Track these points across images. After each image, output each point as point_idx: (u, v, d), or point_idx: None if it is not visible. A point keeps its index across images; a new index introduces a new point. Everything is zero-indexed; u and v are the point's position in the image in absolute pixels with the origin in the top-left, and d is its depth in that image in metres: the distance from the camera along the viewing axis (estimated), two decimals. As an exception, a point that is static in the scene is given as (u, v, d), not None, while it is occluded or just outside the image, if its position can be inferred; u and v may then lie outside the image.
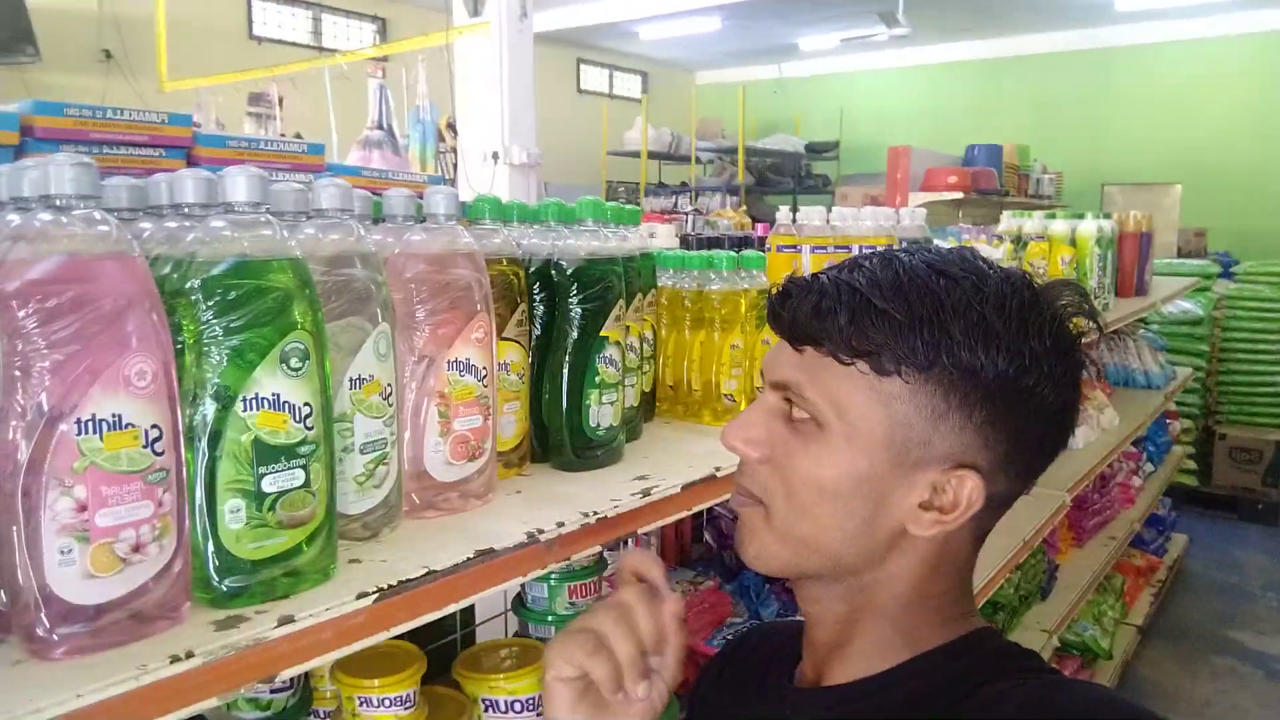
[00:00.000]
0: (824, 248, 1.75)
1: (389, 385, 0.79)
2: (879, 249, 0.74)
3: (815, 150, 10.92)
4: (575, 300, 1.02)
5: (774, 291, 0.71)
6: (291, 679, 0.93)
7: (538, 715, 1.19)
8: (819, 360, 0.68)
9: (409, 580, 0.70)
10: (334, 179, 0.78)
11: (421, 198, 0.87)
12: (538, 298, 1.04)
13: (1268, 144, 9.33)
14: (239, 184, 0.65)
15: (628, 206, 1.22)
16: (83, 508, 0.56)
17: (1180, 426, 4.78)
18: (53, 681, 0.52)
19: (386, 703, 0.94)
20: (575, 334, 1.03)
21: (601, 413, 1.05)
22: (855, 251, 1.75)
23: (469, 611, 1.38)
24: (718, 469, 1.04)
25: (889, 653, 0.71)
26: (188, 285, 0.62)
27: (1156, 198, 9.24)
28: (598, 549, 0.89)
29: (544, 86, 9.63)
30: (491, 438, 0.91)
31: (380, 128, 4.98)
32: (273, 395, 0.65)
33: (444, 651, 1.26)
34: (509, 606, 1.36)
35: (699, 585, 1.53)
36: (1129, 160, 9.91)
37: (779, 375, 0.70)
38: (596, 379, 1.04)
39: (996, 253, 2.38)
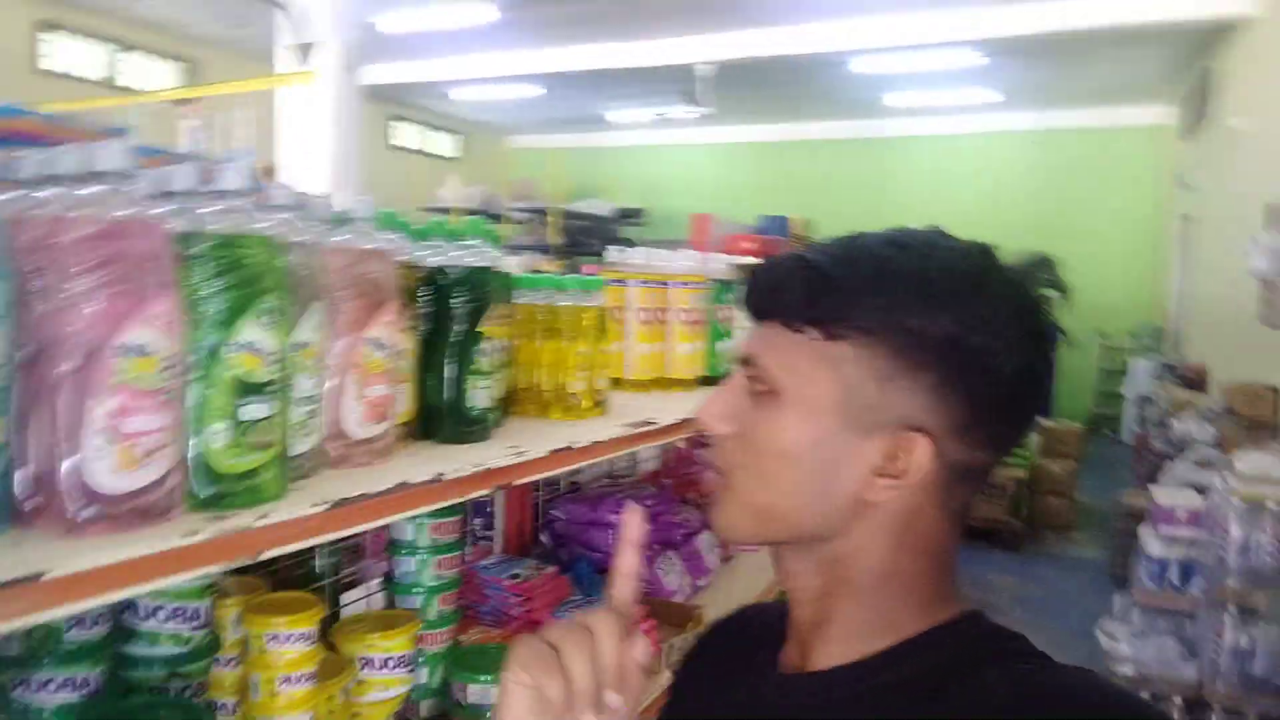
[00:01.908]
0: (646, 281, 2.04)
1: (322, 351, 0.97)
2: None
3: (625, 215, 11.50)
4: (459, 301, 1.23)
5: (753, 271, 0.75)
6: (207, 619, 1.06)
7: (408, 670, 1.35)
8: (774, 331, 0.70)
9: (347, 498, 0.88)
10: (280, 183, 0.96)
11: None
12: (426, 297, 1.24)
13: (1005, 227, 10.80)
14: (230, 175, 0.82)
15: (494, 230, 1.45)
16: (116, 414, 0.71)
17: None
18: (101, 547, 0.67)
19: (292, 638, 1.09)
20: (459, 329, 1.23)
21: (478, 395, 1.25)
22: (671, 288, 2.05)
23: (334, 598, 1.51)
24: (573, 443, 1.26)
25: (871, 636, 0.70)
26: (194, 251, 0.79)
27: (922, 270, 10.41)
28: (485, 491, 1.09)
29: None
30: (394, 406, 1.10)
31: (194, 168, 4.91)
32: (250, 341, 0.82)
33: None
34: (377, 589, 1.51)
35: (541, 570, 1.73)
36: (898, 237, 11.14)
37: (741, 351, 0.73)
38: (475, 366, 1.24)
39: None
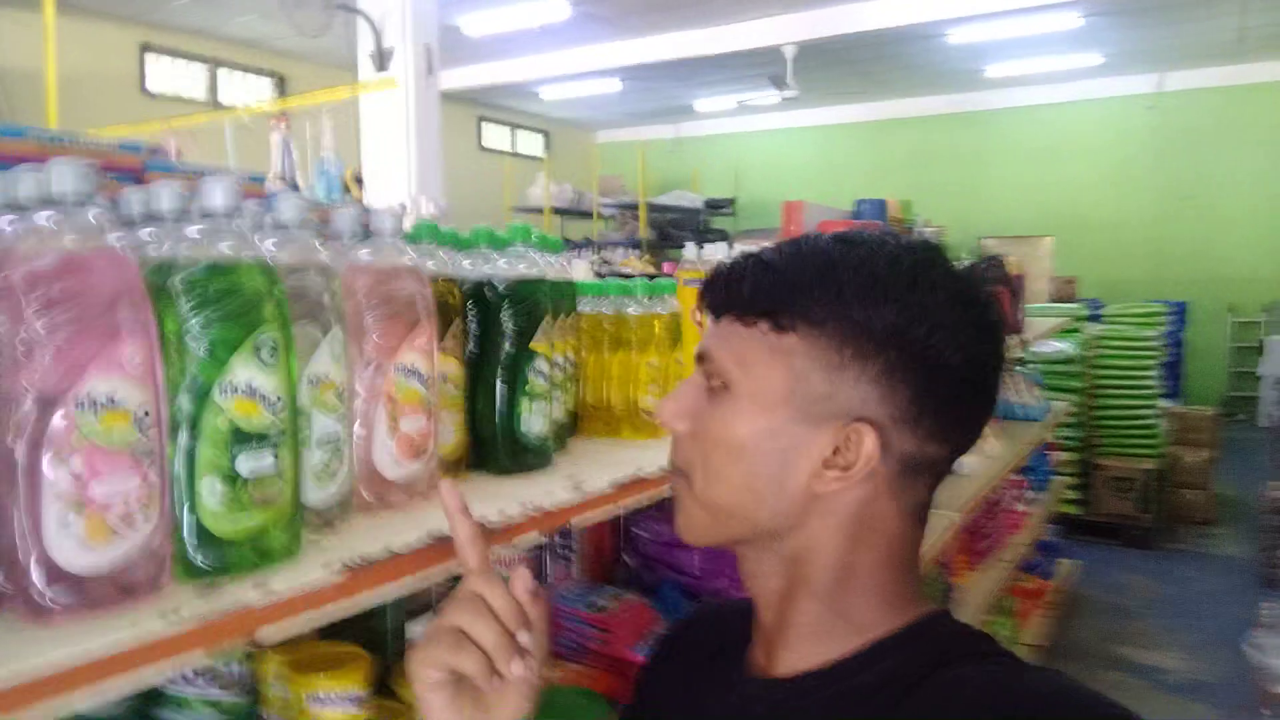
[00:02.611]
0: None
1: (343, 385, 0.86)
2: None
3: (713, 206, 11.31)
4: (508, 316, 1.10)
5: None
6: (246, 679, 0.96)
7: None
8: (728, 326, 0.72)
9: (372, 557, 0.76)
10: (292, 196, 0.85)
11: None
12: (471, 315, 1.12)
13: (1124, 199, 10.16)
14: (215, 194, 0.72)
15: (550, 236, 1.32)
16: (79, 479, 0.61)
17: (1062, 458, 5.11)
18: (55, 640, 0.57)
19: (337, 700, 0.98)
20: (509, 347, 1.11)
21: (533, 420, 1.12)
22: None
23: (400, 636, 1.41)
24: (640, 470, 1.13)
25: (836, 639, 0.71)
26: (169, 283, 0.68)
27: (1030, 249, 9.90)
28: (535, 535, 0.96)
29: (446, 144, 9.71)
30: (434, 439, 0.98)
31: (283, 179, 4.99)
32: (246, 384, 0.71)
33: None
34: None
35: (621, 599, 1.60)
36: (1003, 215, 10.63)
37: (697, 349, 0.74)
38: (527, 388, 1.12)
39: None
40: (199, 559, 0.69)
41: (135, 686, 0.59)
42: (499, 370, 1.11)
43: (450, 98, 10.14)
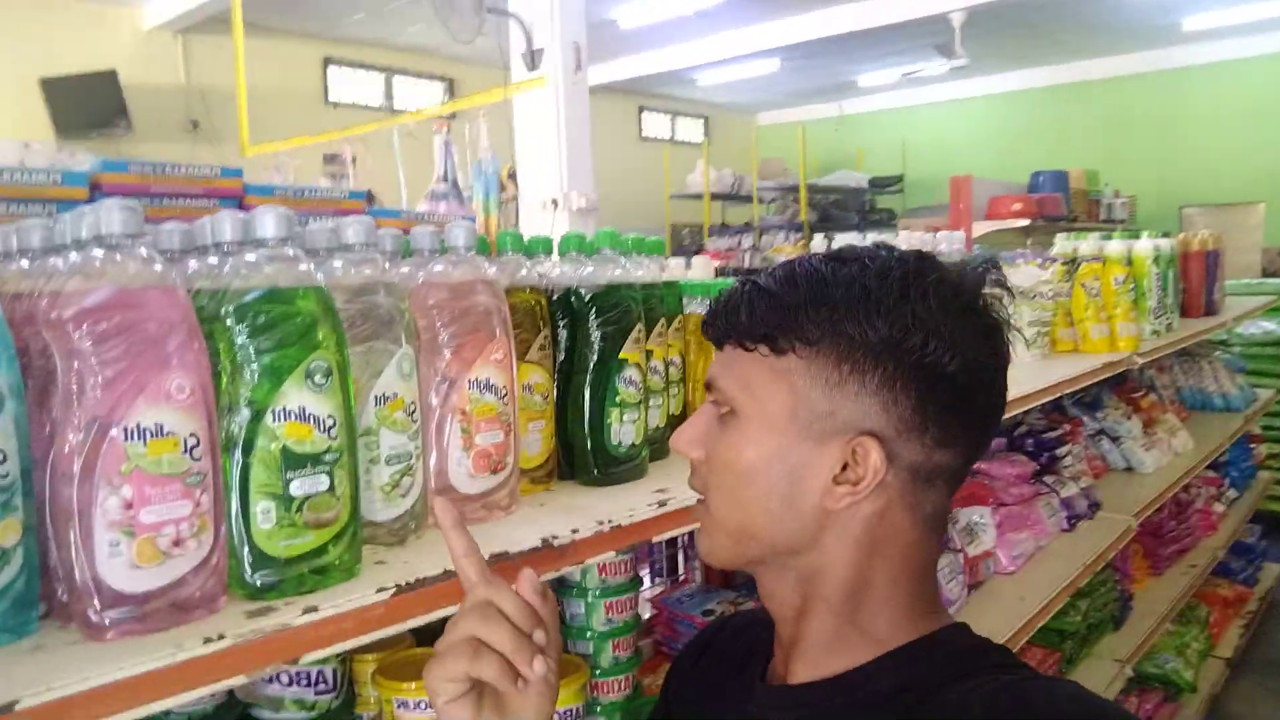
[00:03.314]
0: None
1: (412, 403, 0.86)
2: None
3: (879, 185, 10.89)
4: (595, 324, 1.08)
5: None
6: (336, 682, 1.00)
7: (573, 728, 1.23)
8: (731, 353, 0.73)
9: (426, 578, 0.76)
10: (360, 218, 0.86)
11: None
12: (561, 323, 1.11)
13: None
14: (268, 222, 0.73)
15: (650, 238, 1.29)
16: (129, 505, 0.63)
17: (1268, 451, 4.59)
18: (101, 658, 0.60)
19: (425, 706, 1.00)
20: (595, 356, 1.09)
21: (623, 431, 1.10)
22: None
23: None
24: (736, 482, 1.08)
25: (850, 650, 0.72)
26: (223, 311, 0.70)
27: (1238, 218, 8.95)
28: (611, 554, 0.94)
29: (606, 135, 9.82)
30: (513, 453, 0.97)
31: (445, 180, 5.20)
32: (299, 408, 0.72)
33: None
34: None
35: (738, 606, 1.55)
36: (1207, 181, 9.63)
37: (706, 377, 0.76)
38: (617, 399, 1.09)
39: (1045, 274, 2.37)
40: (254, 578, 0.71)
41: (176, 706, 0.60)
42: (587, 380, 1.09)
43: (609, 90, 10.28)
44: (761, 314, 0.70)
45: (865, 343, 0.67)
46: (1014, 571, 2.09)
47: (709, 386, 0.75)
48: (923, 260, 0.70)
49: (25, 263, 0.73)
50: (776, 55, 9.62)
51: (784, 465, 0.70)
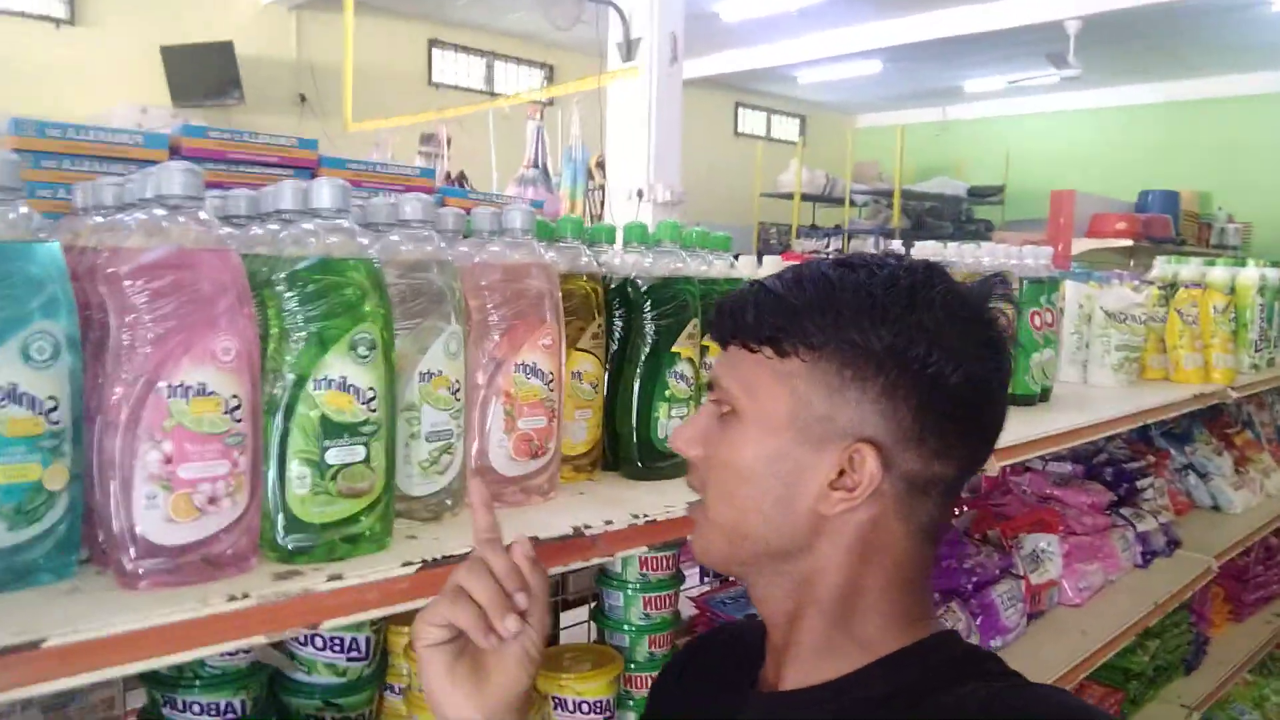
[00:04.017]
0: (935, 283, 1.73)
1: (457, 381, 0.87)
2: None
3: (978, 194, 10.59)
4: (649, 316, 1.07)
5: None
6: (368, 651, 1.02)
7: (604, 717, 1.23)
8: (735, 354, 0.73)
9: (452, 556, 0.77)
10: (418, 195, 0.87)
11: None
12: (616, 313, 1.10)
13: None
14: (324, 193, 0.74)
15: (716, 234, 1.27)
16: (168, 460, 0.65)
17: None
18: (129, 606, 0.62)
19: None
20: (648, 348, 1.08)
21: (670, 426, 1.09)
22: (970, 289, 1.74)
23: (554, 616, 1.44)
24: (781, 487, 1.06)
25: (842, 657, 0.72)
26: (274, 277, 0.72)
27: (1364, 252, 8.40)
28: (642, 549, 0.93)
29: (701, 129, 9.77)
30: (555, 439, 0.97)
31: (535, 166, 5.26)
32: (340, 378, 0.73)
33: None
34: (591, 616, 1.42)
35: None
36: (1334, 211, 9.07)
37: (708, 376, 0.76)
38: (666, 393, 1.08)
39: (1138, 297, 2.26)
40: (286, 541, 0.73)
41: (196, 659, 0.62)
42: (637, 372, 1.08)
43: (706, 84, 10.23)
44: (767, 316, 0.70)
45: (868, 350, 0.67)
46: (1079, 604, 2.01)
47: (711, 385, 0.76)
48: (931, 271, 0.70)
49: (98, 219, 0.76)
50: (879, 56, 9.44)
51: (781, 467, 0.70)
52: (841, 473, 0.68)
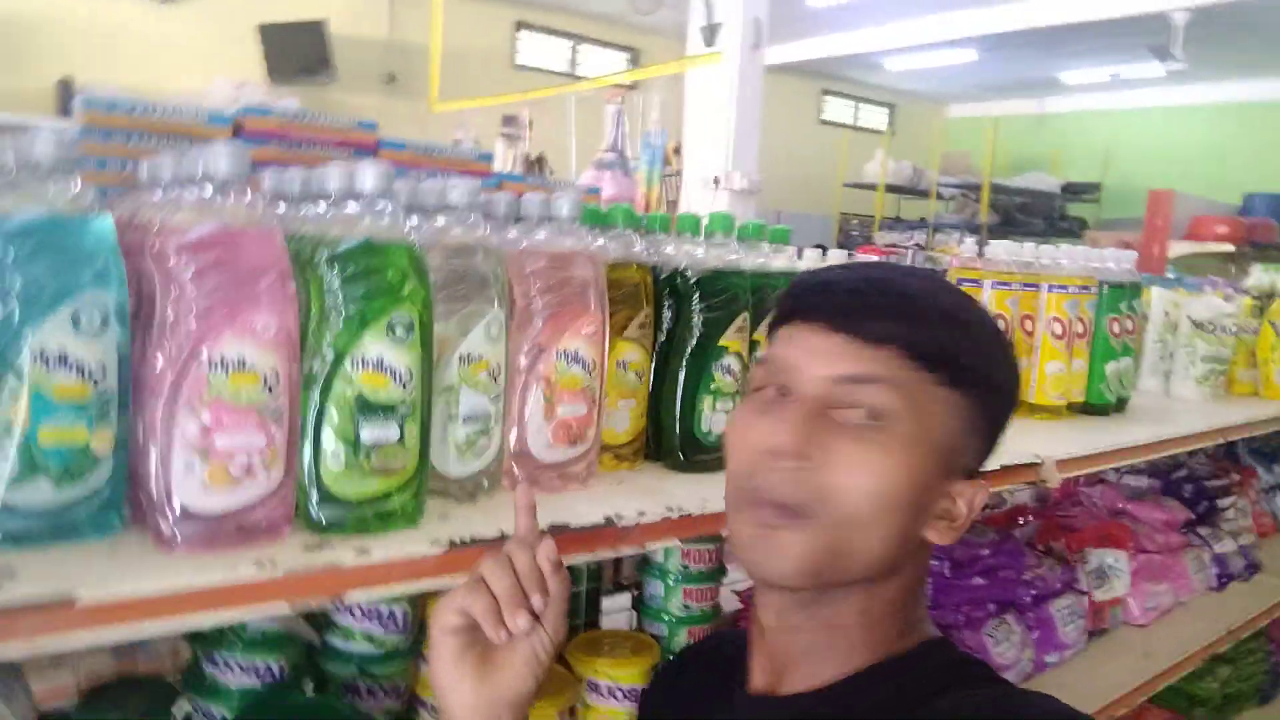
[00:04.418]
0: (1008, 284, 1.68)
1: (497, 365, 0.88)
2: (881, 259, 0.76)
3: (1073, 191, 10.23)
4: (697, 308, 1.07)
5: (813, 284, 0.74)
6: (406, 624, 1.04)
7: (637, 704, 1.23)
8: (897, 361, 0.67)
9: (481, 539, 0.78)
10: (465, 180, 0.87)
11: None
12: (666, 304, 1.09)
13: None
14: (368, 176, 0.75)
15: (777, 226, 1.25)
16: (207, 430, 0.67)
17: None
18: (161, 568, 0.64)
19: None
20: (695, 340, 1.07)
21: (714, 419, 1.08)
22: (1044, 291, 1.68)
23: (594, 601, 1.45)
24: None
25: (844, 660, 0.71)
26: (317, 257, 0.73)
27: None
28: (675, 541, 0.93)
29: (784, 117, 9.63)
30: (595, 427, 0.97)
31: (613, 150, 5.26)
32: (377, 358, 0.74)
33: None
34: (633, 604, 1.42)
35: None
36: None
37: (846, 369, 0.68)
38: (712, 386, 1.07)
39: (1229, 306, 2.15)
40: (319, 515, 0.75)
41: (221, 623, 0.64)
42: (683, 363, 1.08)
43: (792, 70, 10.07)
44: (947, 340, 0.69)
45: (1002, 394, 0.72)
46: (1145, 624, 1.93)
47: (853, 380, 0.67)
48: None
49: (156, 196, 0.79)
50: (973, 45, 9.14)
51: (917, 496, 0.68)
52: (954, 501, 0.70)
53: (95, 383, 0.66)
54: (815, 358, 0.69)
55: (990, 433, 0.72)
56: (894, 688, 0.69)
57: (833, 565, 0.68)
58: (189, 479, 0.67)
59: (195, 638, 0.95)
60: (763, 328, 1.16)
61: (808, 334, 0.70)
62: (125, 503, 0.70)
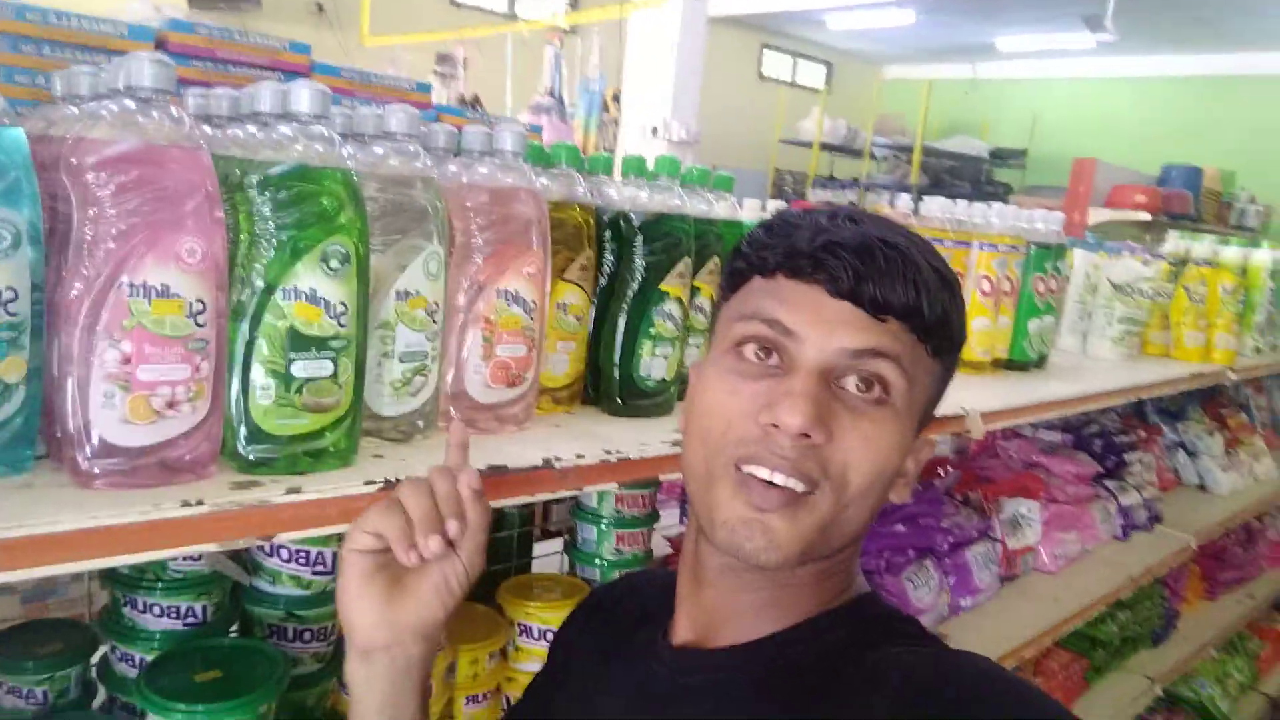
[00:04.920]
0: (940, 240, 1.70)
1: (435, 303, 0.85)
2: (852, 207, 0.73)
3: (1000, 156, 10.43)
4: (640, 252, 1.05)
5: (808, 237, 0.64)
6: (331, 568, 1.02)
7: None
8: (902, 332, 0.64)
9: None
10: (404, 107, 0.84)
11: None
12: (608, 247, 1.08)
13: None
14: (303, 96, 0.72)
15: (721, 173, 1.24)
16: (127, 360, 0.64)
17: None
18: (80, 504, 0.61)
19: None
20: (636, 285, 1.06)
21: (653, 364, 1.08)
22: (975, 249, 1.71)
23: (526, 545, 1.45)
24: (760, 434, 1.05)
25: (779, 616, 0.69)
26: (247, 181, 0.70)
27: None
28: (613, 485, 0.92)
29: (724, 70, 9.56)
30: (534, 369, 0.96)
31: (551, 95, 5.16)
32: (310, 289, 0.72)
33: (495, 578, 1.32)
34: (564, 548, 1.42)
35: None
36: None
37: (861, 342, 0.63)
38: (652, 330, 1.07)
39: (1147, 270, 2.23)
40: (248, 451, 0.72)
41: (147, 561, 0.62)
42: (624, 307, 1.07)
43: (733, 22, 9.97)
44: (948, 310, 0.65)
45: (957, 346, 0.69)
46: (1054, 572, 2.02)
47: (869, 353, 0.63)
48: None
49: (72, 109, 0.73)
50: (912, 5, 9.18)
51: (899, 464, 0.66)
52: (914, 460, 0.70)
53: (5, 308, 0.62)
54: (822, 326, 0.63)
55: (945, 386, 0.71)
56: (824, 644, 0.67)
57: (823, 543, 0.65)
58: (108, 411, 0.64)
59: (112, 579, 0.91)
60: (711, 273, 1.15)
61: (808, 295, 0.64)
62: (40, 437, 0.67)
